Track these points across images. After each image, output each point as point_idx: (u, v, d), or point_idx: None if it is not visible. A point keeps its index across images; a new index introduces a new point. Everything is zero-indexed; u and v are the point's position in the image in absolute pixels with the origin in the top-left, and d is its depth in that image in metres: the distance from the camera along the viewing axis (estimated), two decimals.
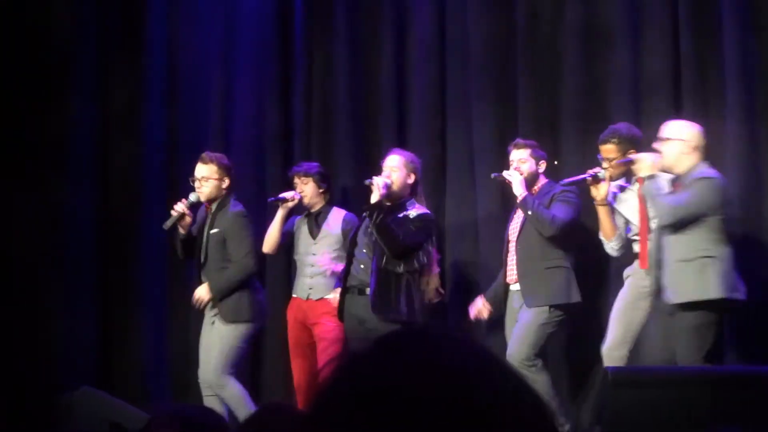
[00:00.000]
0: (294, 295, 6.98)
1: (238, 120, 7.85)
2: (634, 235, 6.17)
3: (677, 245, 5.64)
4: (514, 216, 6.46)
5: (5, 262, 7.80)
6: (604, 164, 6.08)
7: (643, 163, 5.80)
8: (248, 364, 7.55)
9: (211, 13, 8.00)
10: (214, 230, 6.55)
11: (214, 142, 7.80)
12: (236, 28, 7.95)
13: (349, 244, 6.46)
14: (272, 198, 6.98)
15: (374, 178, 6.26)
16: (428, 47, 7.55)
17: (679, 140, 5.74)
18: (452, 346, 1.07)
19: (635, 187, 6.13)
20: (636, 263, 6.14)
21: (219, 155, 6.70)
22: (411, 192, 6.37)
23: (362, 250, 6.29)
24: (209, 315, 6.59)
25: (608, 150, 6.10)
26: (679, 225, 5.61)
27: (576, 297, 6.25)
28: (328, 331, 6.74)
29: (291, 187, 7.00)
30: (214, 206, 6.61)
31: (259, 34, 7.90)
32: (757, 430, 4.01)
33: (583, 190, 6.25)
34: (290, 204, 6.87)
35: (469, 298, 6.77)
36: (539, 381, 6.02)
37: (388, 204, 6.25)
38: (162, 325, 7.86)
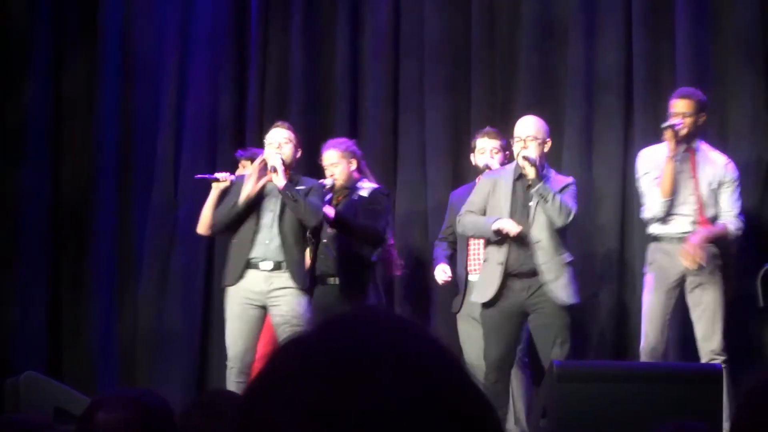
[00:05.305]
0: None
1: (191, 105, 7.82)
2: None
3: None
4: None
5: None
6: (674, 119, 5.85)
7: None
8: None
9: None
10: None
11: (168, 126, 7.77)
12: (192, 13, 7.91)
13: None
14: (200, 176, 6.78)
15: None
16: (383, 37, 7.56)
17: None
18: (406, 329, 1.02)
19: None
20: (654, 247, 5.96)
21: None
22: (358, 173, 6.40)
23: (323, 240, 6.31)
24: None
25: (682, 105, 5.89)
26: None
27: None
28: None
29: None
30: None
31: (215, 20, 7.87)
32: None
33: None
34: (222, 185, 6.58)
35: (418, 288, 6.78)
36: None
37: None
38: (111, 311, 7.80)
